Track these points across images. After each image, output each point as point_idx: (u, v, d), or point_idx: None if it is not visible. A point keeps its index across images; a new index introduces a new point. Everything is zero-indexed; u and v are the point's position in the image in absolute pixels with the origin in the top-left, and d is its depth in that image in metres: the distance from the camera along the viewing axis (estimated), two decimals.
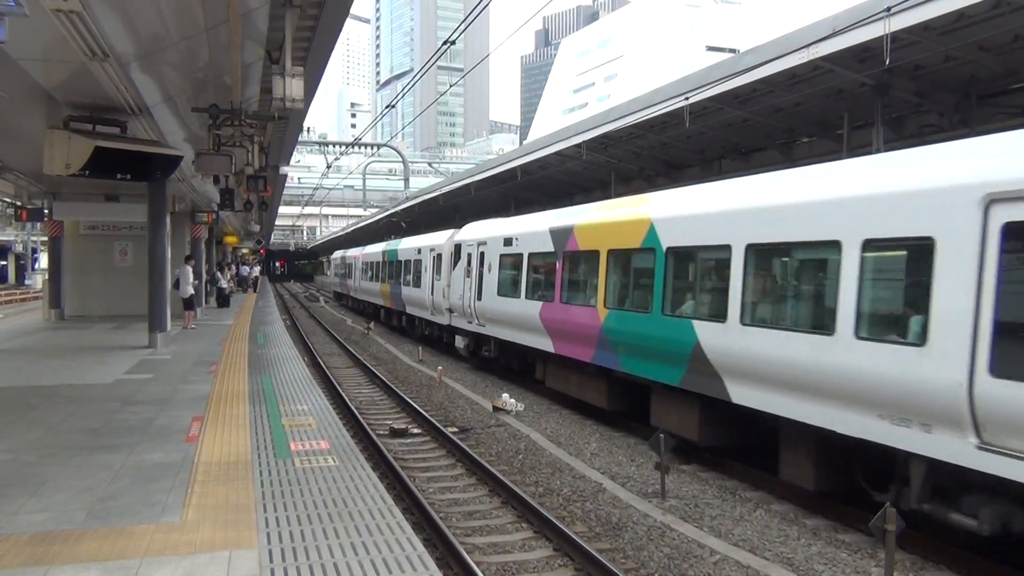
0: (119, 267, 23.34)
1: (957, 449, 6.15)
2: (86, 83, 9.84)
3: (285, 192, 44.32)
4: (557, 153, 19.22)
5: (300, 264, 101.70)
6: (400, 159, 59.65)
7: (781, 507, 8.62)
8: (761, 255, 8.76)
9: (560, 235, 13.60)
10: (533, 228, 14.97)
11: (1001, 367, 5.80)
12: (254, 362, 14.08)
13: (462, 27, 10.80)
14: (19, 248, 65.74)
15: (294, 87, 9.52)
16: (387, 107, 16.91)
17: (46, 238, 26.49)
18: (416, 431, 12.28)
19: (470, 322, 18.08)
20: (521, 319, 14.96)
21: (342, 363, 20.55)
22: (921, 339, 6.45)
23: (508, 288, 15.78)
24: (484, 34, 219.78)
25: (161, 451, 7.55)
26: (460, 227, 20.73)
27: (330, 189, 61.89)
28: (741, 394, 8.78)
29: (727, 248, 9.00)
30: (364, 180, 70.65)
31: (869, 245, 7.13)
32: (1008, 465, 5.78)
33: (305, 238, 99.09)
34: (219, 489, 6.36)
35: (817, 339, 7.58)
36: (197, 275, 22.26)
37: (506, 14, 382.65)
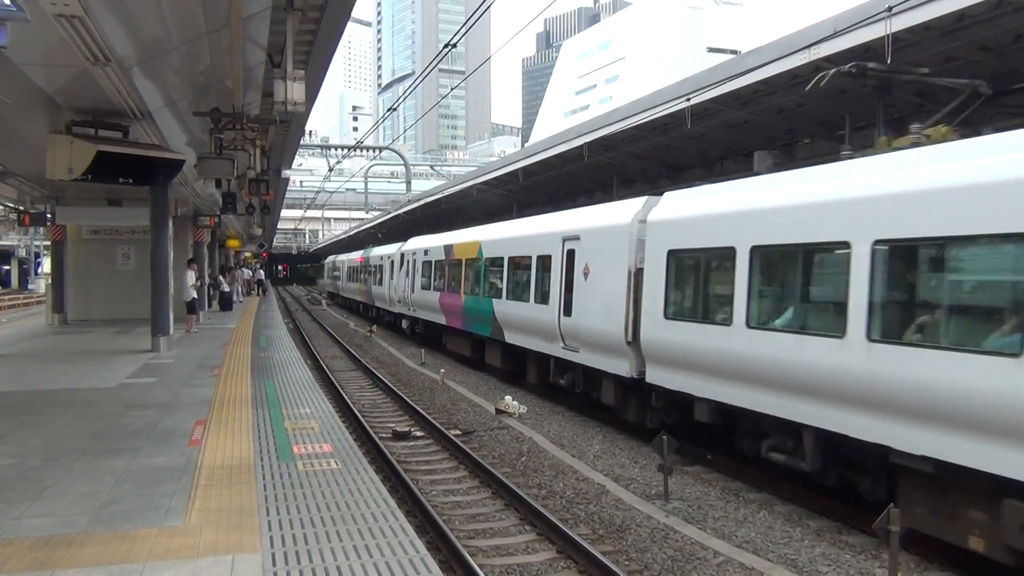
0: (122, 271, 23.32)
1: (559, 350, 13.43)
2: (88, 88, 9.85)
3: (287, 195, 44.39)
4: (559, 155, 19.22)
5: (303, 267, 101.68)
6: (402, 162, 59.60)
7: (784, 508, 8.61)
8: (514, 262, 16.01)
9: (447, 249, 20.97)
10: (437, 243, 22.29)
11: (564, 311, 13.02)
12: (257, 366, 14.09)
13: (463, 30, 10.80)
14: (22, 253, 65.89)
15: (295, 90, 9.52)
16: (389, 110, 16.92)
17: (49, 242, 26.51)
18: (419, 434, 12.28)
19: (408, 309, 25.76)
20: (431, 305, 22.37)
21: (345, 366, 20.57)
22: (548, 301, 13.78)
23: (426, 284, 22.97)
24: (485, 37, 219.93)
25: (164, 455, 7.55)
26: (415, 237, 27.44)
27: (332, 192, 61.90)
28: (511, 338, 16.00)
29: (502, 259, 16.57)
30: (366, 183, 70.52)
31: (538, 258, 14.49)
32: (571, 355, 12.94)
33: (307, 241, 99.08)
34: (222, 493, 6.36)
35: (525, 304, 14.96)
36: (200, 279, 22.27)
37: (507, 17, 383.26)
